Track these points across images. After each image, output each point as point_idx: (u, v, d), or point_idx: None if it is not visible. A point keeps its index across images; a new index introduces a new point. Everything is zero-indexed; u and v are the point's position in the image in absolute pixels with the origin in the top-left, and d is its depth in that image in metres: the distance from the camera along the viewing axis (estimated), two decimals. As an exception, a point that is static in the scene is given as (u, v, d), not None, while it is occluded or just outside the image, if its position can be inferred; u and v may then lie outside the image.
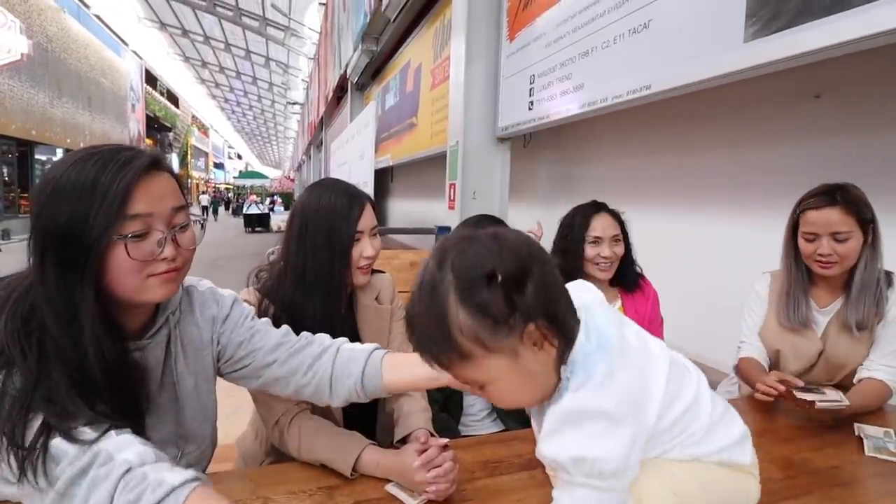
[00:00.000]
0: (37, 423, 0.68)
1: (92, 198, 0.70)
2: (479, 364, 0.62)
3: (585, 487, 0.63)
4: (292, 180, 34.62)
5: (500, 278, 0.58)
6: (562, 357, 0.65)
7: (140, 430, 0.80)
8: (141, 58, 24.34)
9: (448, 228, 4.02)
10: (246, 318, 1.01)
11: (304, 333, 1.03)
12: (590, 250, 1.62)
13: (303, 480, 0.99)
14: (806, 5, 1.49)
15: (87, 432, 0.69)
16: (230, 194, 36.82)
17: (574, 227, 1.65)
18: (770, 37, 1.60)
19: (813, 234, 1.40)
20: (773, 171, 2.08)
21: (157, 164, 0.77)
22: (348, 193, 1.18)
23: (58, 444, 0.67)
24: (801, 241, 1.43)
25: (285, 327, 1.03)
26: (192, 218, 0.84)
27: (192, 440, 0.95)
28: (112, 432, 0.70)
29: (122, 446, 0.69)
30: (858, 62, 1.68)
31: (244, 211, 18.73)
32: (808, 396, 1.21)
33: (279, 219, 18.08)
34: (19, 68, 14.02)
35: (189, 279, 0.97)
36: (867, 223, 1.36)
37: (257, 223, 17.78)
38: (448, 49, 4.46)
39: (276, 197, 25.37)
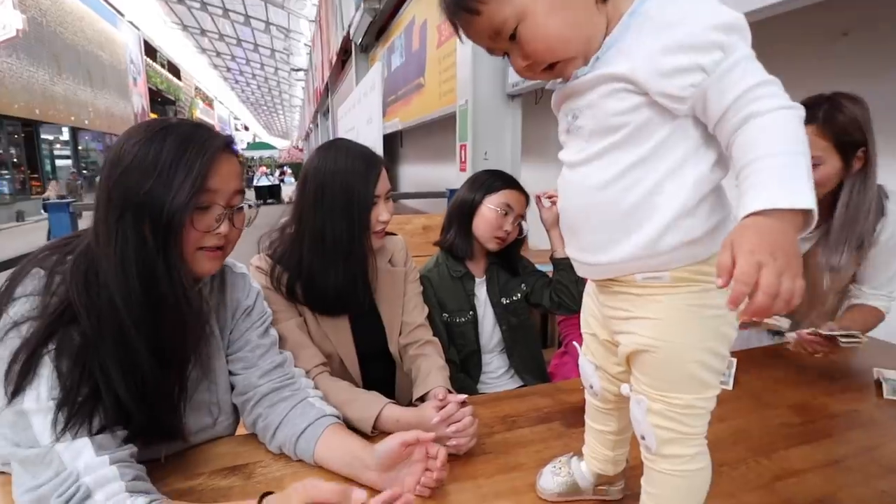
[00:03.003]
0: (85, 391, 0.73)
1: (175, 171, 0.75)
2: None
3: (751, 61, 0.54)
4: (301, 150, 34.44)
5: None
6: None
7: (181, 389, 0.86)
8: (138, 28, 23.95)
9: (458, 190, 3.99)
10: (263, 323, 1.03)
11: (289, 363, 1.03)
12: None
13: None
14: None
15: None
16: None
17: None
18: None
19: None
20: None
21: (230, 146, 0.83)
22: (364, 156, 1.16)
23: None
24: None
25: (276, 345, 1.04)
26: (246, 202, 0.89)
27: (223, 410, 0.99)
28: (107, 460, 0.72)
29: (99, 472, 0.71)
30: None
31: (254, 183, 18.54)
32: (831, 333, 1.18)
33: (290, 190, 17.99)
34: (16, 45, 13.84)
35: (227, 260, 0.98)
36: (851, 147, 1.18)
37: (269, 195, 17.74)
38: (452, 4, 4.31)
39: (285, 168, 25.27)
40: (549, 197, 1.52)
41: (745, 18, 0.54)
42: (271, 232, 1.24)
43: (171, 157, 0.75)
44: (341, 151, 1.16)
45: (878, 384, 1.17)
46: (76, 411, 0.72)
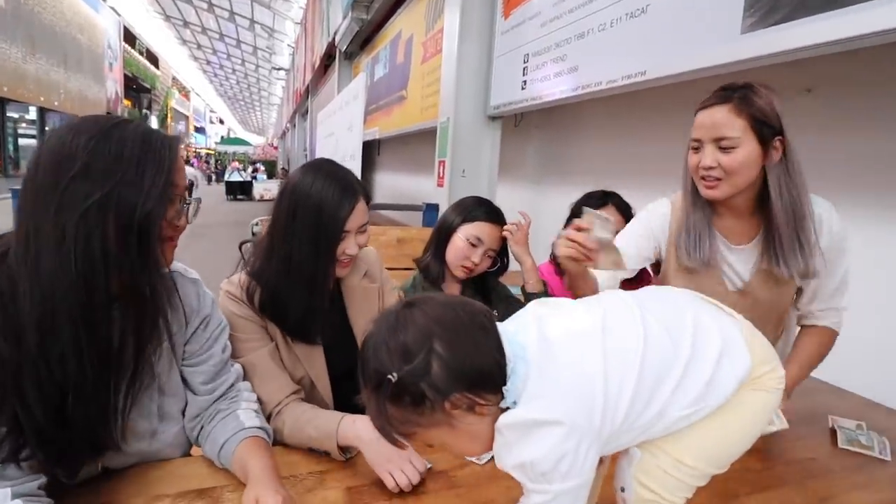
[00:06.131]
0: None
1: (145, 167, 0.75)
2: (425, 436, 0.66)
3: (538, 493, 0.63)
4: (276, 148, 34.00)
5: (395, 378, 0.60)
6: (500, 404, 0.65)
7: (125, 398, 0.83)
8: (119, 15, 23.41)
9: (436, 206, 4.00)
10: (222, 332, 1.04)
11: (239, 377, 1.05)
12: None
13: (293, 465, 1.01)
14: (804, 0, 1.49)
15: None
16: (212, 160, 35.94)
17: (575, 216, 1.67)
18: (767, 30, 1.60)
19: (697, 141, 1.14)
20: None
21: (180, 143, 0.84)
22: (342, 186, 1.11)
23: None
24: (689, 154, 1.18)
25: (229, 358, 1.05)
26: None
27: (166, 417, 0.97)
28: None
29: None
30: (851, 57, 1.69)
31: (226, 178, 18.50)
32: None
33: (262, 187, 17.83)
34: (-10, 21, 13.40)
35: (177, 265, 0.98)
36: (769, 131, 1.08)
37: (239, 191, 17.54)
38: (441, 22, 4.37)
39: (258, 164, 24.93)
40: (515, 223, 1.52)
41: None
42: (248, 240, 1.22)
43: (136, 150, 0.75)
44: (320, 175, 1.11)
45: (833, 432, 1.21)
46: None
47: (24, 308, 0.70)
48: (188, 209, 0.87)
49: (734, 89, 1.10)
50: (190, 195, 0.87)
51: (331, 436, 1.00)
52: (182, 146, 0.85)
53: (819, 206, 1.15)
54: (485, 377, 0.62)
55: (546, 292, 1.51)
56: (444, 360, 0.60)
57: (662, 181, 2.70)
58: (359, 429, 0.99)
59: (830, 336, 1.24)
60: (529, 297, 1.51)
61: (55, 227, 0.70)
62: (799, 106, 1.94)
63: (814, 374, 1.54)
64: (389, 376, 0.60)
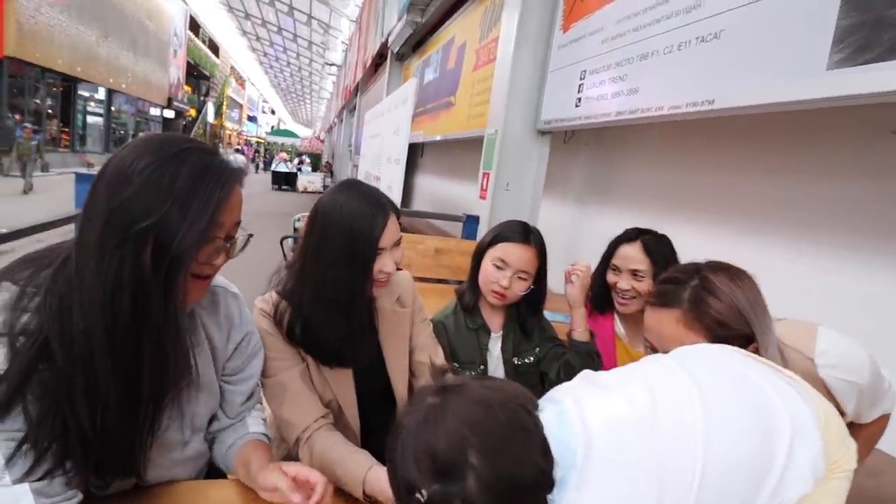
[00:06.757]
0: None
1: (192, 201, 0.72)
2: None
3: None
4: (322, 141, 34.63)
5: (424, 497, 0.54)
6: None
7: (150, 427, 0.81)
8: (186, 4, 24.37)
9: (477, 218, 3.93)
10: (259, 350, 1.05)
11: (258, 397, 1.10)
12: (610, 276, 1.55)
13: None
14: (905, 39, 1.35)
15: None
16: (261, 149, 36.93)
17: (607, 249, 1.59)
18: (857, 68, 1.46)
19: (648, 341, 0.96)
20: (833, 209, 1.94)
21: (242, 178, 0.81)
22: (371, 204, 1.07)
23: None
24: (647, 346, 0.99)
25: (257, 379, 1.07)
26: (241, 233, 0.86)
27: (199, 430, 0.98)
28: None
29: None
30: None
31: (273, 168, 19.11)
32: None
33: (306, 179, 18.23)
34: (69, 4, 14.16)
35: (219, 279, 0.98)
36: (735, 341, 0.84)
37: (284, 181, 17.99)
38: (495, 31, 4.31)
39: (304, 157, 25.44)
40: (576, 269, 1.43)
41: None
42: (281, 269, 1.19)
43: (188, 185, 0.72)
44: (351, 195, 1.08)
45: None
46: (36, 454, 0.68)
47: (75, 316, 0.70)
48: (231, 246, 0.83)
49: (683, 283, 0.87)
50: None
51: (356, 482, 0.97)
52: (238, 182, 0.80)
53: (825, 364, 0.93)
54: (526, 492, 0.55)
55: (593, 343, 1.40)
56: (480, 476, 0.53)
57: (714, 217, 2.57)
58: (384, 485, 0.94)
59: (886, 419, 1.10)
60: (574, 344, 1.40)
61: (99, 247, 0.70)
62: (883, 148, 1.79)
63: (886, 450, 1.41)
64: (418, 495, 0.54)
